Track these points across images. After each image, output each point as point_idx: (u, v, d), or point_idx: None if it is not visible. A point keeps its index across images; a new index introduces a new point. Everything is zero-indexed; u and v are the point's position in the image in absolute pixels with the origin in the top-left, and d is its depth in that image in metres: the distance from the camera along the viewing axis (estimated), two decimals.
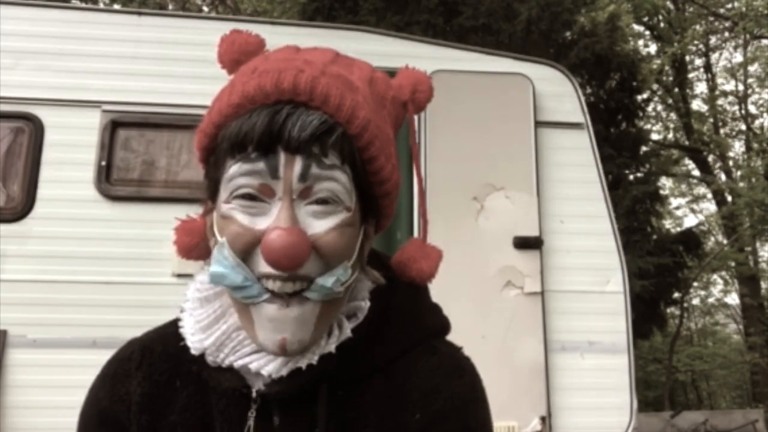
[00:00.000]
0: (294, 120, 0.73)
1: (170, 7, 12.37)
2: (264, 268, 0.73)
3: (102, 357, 0.93)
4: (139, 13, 3.66)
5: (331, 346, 0.79)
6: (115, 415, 0.85)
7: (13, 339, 3.00)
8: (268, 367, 0.78)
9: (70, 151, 3.26)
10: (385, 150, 0.81)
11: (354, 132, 0.76)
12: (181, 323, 0.85)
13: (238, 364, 0.80)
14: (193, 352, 0.82)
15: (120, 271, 3.12)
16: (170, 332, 0.86)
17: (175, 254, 0.87)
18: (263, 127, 0.73)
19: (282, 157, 0.73)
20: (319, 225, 0.75)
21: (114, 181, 3.28)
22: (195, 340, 0.82)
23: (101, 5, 11.69)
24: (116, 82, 3.36)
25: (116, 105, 3.33)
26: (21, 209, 3.18)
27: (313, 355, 0.78)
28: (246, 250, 0.75)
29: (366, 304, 0.83)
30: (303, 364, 0.78)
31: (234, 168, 0.75)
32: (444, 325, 0.93)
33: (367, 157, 0.79)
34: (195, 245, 0.86)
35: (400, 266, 0.89)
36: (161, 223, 2.99)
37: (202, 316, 0.83)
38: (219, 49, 0.86)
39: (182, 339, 0.84)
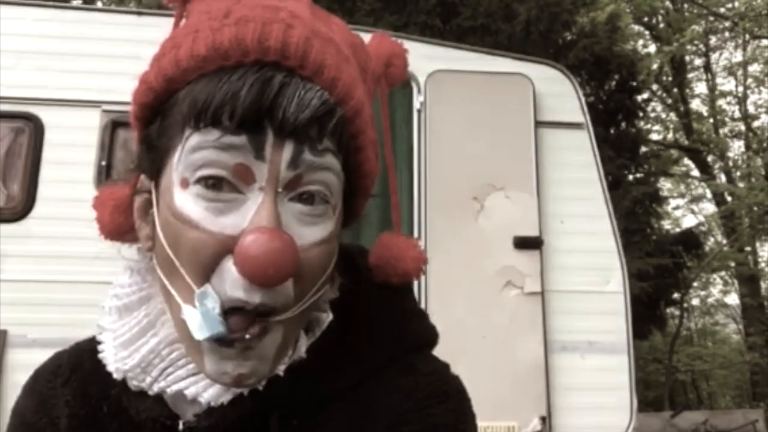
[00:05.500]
0: (289, 95, 0.57)
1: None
2: (234, 291, 0.57)
3: None
4: (139, 13, 3.66)
5: (281, 368, 0.63)
6: None
7: (13, 339, 3.00)
8: (207, 393, 0.62)
9: (70, 151, 3.26)
10: (372, 139, 0.67)
11: (347, 115, 0.61)
12: (101, 346, 0.68)
13: (172, 389, 0.63)
14: (115, 376, 0.65)
15: (120, 271, 3.12)
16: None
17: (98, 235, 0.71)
18: (251, 100, 0.56)
19: (270, 136, 0.57)
20: (305, 234, 0.59)
21: (114, 182, 3.28)
22: (117, 359, 0.65)
23: (101, 5, 11.69)
24: (116, 82, 3.35)
25: (116, 105, 3.33)
26: (21, 209, 3.18)
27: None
28: (212, 263, 0.58)
29: (326, 317, 0.67)
30: (245, 389, 0.62)
31: (199, 137, 0.58)
32: (427, 337, 0.74)
33: (355, 146, 0.64)
34: (124, 224, 0.69)
35: (381, 268, 0.73)
36: None
37: (122, 329, 0.66)
38: None
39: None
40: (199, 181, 0.58)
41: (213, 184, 0.58)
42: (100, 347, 0.68)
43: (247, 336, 0.58)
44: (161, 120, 0.62)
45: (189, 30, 0.62)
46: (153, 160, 0.63)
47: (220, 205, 0.58)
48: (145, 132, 0.64)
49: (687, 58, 15.97)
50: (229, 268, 0.57)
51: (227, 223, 0.57)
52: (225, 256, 0.57)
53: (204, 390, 0.62)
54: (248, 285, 0.57)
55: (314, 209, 0.60)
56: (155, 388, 0.64)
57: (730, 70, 16.42)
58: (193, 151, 0.58)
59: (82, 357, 0.73)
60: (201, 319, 0.57)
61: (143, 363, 0.64)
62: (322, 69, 0.59)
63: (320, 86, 0.59)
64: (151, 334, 0.65)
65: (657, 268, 8.74)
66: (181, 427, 0.64)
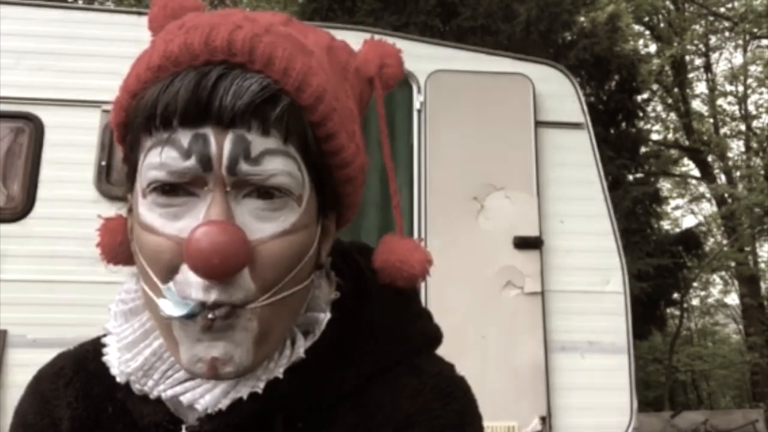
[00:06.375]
0: (226, 85, 0.58)
1: None
2: (194, 291, 0.57)
3: None
4: (139, 13, 3.66)
5: (279, 370, 0.63)
6: None
7: (13, 339, 3.00)
8: (203, 399, 0.62)
9: (70, 151, 3.25)
10: (346, 126, 0.65)
11: (306, 103, 0.61)
12: (105, 349, 0.69)
13: (168, 394, 0.64)
14: (119, 379, 0.66)
15: (120, 271, 3.12)
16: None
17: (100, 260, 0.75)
18: (188, 94, 0.57)
19: (212, 138, 0.58)
20: (262, 229, 0.59)
21: (114, 181, 3.27)
22: (121, 362, 0.66)
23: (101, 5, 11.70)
24: (116, 82, 3.33)
25: None
26: (21, 209, 3.18)
27: (257, 381, 0.63)
28: (171, 265, 0.59)
29: (325, 317, 0.66)
30: (244, 393, 0.62)
31: (154, 155, 0.59)
32: (431, 337, 0.74)
33: (324, 134, 0.63)
34: (119, 245, 0.72)
35: (386, 271, 0.72)
36: None
37: (126, 332, 0.67)
38: (150, 14, 0.71)
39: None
40: (154, 189, 0.60)
41: (167, 190, 0.60)
42: (104, 350, 0.69)
43: (209, 315, 0.57)
44: (128, 134, 0.64)
45: (150, 46, 0.66)
46: (129, 174, 0.66)
47: (174, 209, 0.59)
48: (124, 149, 0.67)
49: (687, 58, 15.98)
50: (186, 270, 0.58)
51: (181, 226, 0.59)
52: (183, 259, 0.58)
53: (201, 396, 0.62)
54: (204, 284, 0.57)
55: (272, 203, 0.60)
56: (155, 392, 0.64)
57: (731, 72, 16.41)
58: (149, 169, 0.60)
59: (87, 358, 0.74)
60: (172, 302, 0.59)
61: (146, 366, 0.65)
62: (272, 61, 0.60)
63: (271, 77, 0.59)
64: (154, 337, 0.65)
65: (657, 269, 8.75)
66: (183, 431, 0.65)
